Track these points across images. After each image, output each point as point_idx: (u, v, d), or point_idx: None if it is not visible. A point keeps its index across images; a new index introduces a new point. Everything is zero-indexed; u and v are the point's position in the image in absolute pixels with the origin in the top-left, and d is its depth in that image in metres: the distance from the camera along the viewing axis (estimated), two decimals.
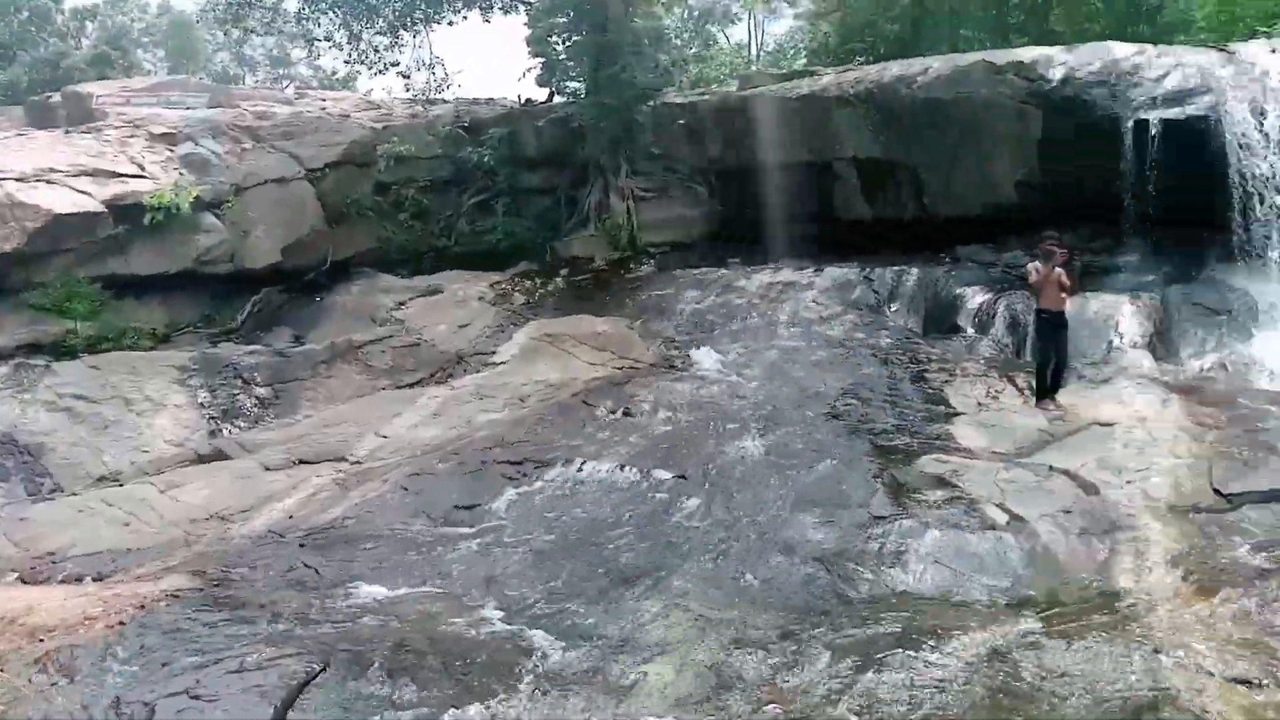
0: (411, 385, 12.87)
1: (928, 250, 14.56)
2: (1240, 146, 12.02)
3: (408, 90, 21.85)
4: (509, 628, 6.25)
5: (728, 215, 17.08)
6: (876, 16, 20.68)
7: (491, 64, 38.73)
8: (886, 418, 9.91)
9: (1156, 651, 5.32)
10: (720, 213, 17.24)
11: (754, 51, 29.89)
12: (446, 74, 22.21)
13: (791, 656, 5.61)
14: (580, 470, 9.04)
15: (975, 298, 13.36)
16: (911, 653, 5.45)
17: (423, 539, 8.07)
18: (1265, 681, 5.02)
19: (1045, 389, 10.14)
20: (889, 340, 12.69)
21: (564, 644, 5.95)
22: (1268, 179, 11.99)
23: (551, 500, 8.57)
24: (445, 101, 21.14)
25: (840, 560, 6.94)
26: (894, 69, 14.99)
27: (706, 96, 17.81)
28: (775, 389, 11.03)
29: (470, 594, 6.92)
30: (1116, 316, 12.01)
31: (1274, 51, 12.86)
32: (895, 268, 14.23)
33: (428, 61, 21.66)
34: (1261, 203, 12.01)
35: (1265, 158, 11.91)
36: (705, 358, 12.41)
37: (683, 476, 8.71)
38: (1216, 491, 7.77)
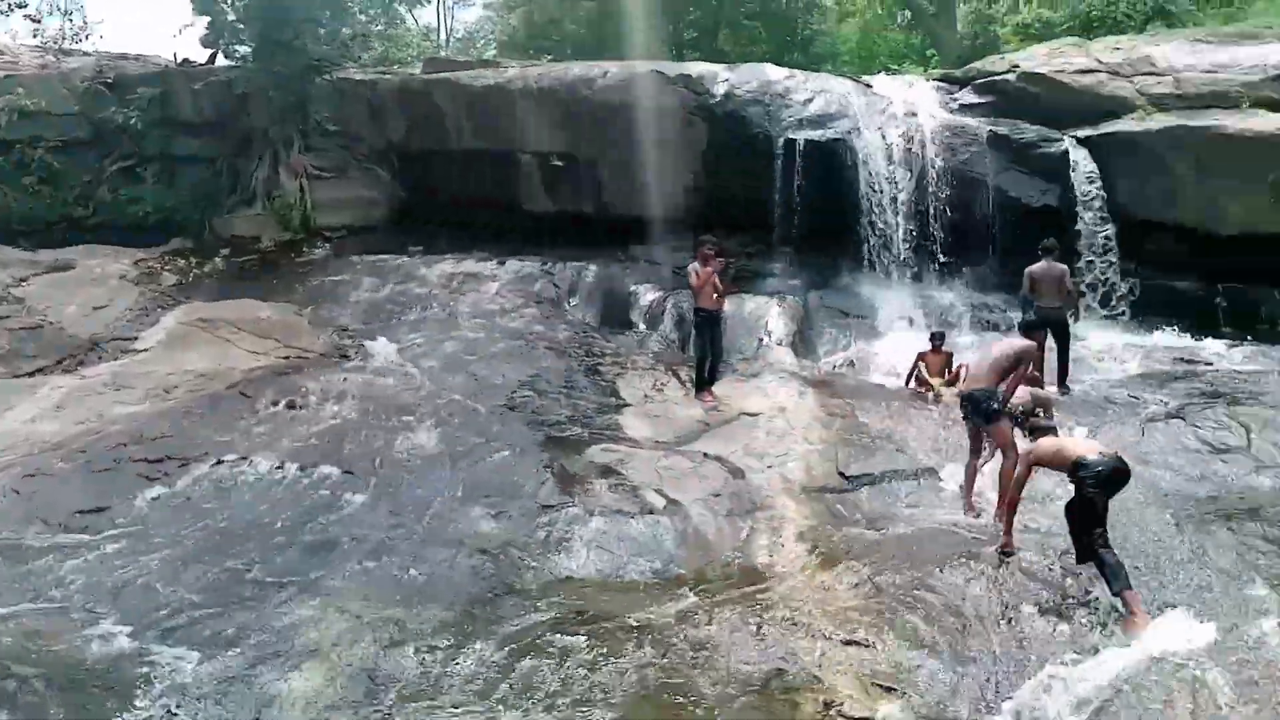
0: (32, 374, 11.20)
1: (606, 246, 15.11)
2: (868, 168, 13.66)
3: (37, 36, 19.06)
4: (134, 643, 5.61)
5: (411, 200, 16.59)
6: (562, 16, 21.11)
7: (140, 16, 34.73)
8: (561, 409, 10.12)
9: (784, 620, 5.85)
10: (403, 198, 16.69)
11: (443, 37, 29.40)
12: (85, 22, 19.67)
13: (451, 650, 5.53)
14: (234, 468, 8.34)
15: (647, 295, 14.07)
16: (569, 636, 5.58)
17: (36, 549, 7.04)
18: (874, 642, 5.68)
19: (703, 381, 10.84)
20: (567, 333, 12.98)
21: (200, 655, 5.44)
22: (891, 199, 13.73)
23: (196, 501, 7.83)
24: (85, 53, 18.63)
25: (508, 550, 6.98)
26: (576, 69, 15.37)
27: (389, 76, 17.17)
28: (453, 381, 10.86)
29: (91, 608, 6.14)
30: (766, 317, 13.18)
31: (909, 85, 14.76)
32: (576, 263, 14.61)
33: (63, 6, 19.00)
34: (883, 220, 13.71)
35: (888, 180, 13.61)
36: (381, 348, 11.94)
37: (349, 472, 8.32)
38: (841, 474, 8.76)
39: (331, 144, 16.55)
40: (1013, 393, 7.56)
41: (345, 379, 10.53)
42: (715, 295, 10.74)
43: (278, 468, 8.34)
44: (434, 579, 6.57)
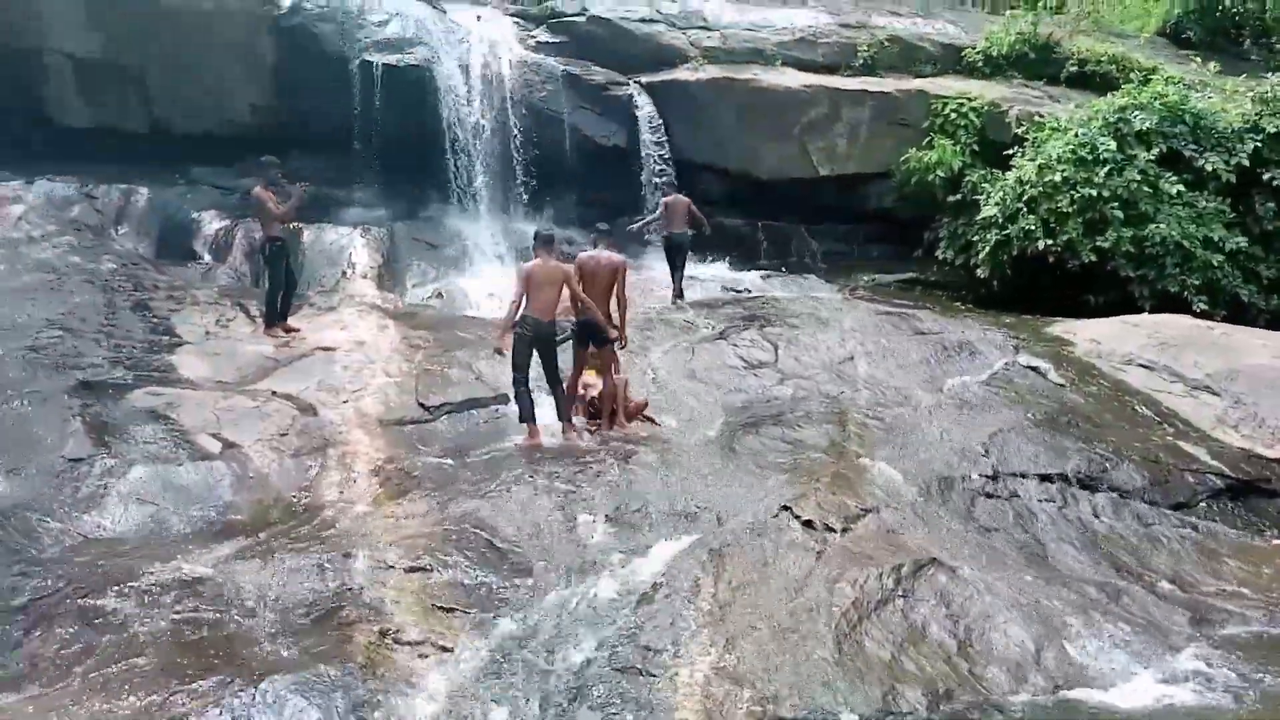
0: None
1: (161, 168, 13.46)
2: (451, 99, 13.52)
3: None
4: None
5: None
6: None
7: None
8: (99, 351, 8.87)
9: (346, 555, 5.70)
10: None
11: None
12: None
13: None
14: None
15: (212, 223, 12.83)
16: (94, 599, 4.97)
17: None
18: (435, 567, 5.74)
19: (275, 315, 10.15)
20: (113, 265, 11.42)
21: None
22: (473, 132, 13.73)
23: None
24: None
25: (21, 513, 6.02)
26: None
27: None
28: None
29: None
30: (349, 248, 12.66)
31: (479, 18, 14.68)
32: (123, 186, 12.85)
33: None
34: (466, 153, 13.70)
35: (468, 112, 13.58)
36: None
37: None
38: (420, 405, 8.71)
39: None
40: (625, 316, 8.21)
41: None
42: (285, 223, 10.02)
43: None
44: None
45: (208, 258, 12.38)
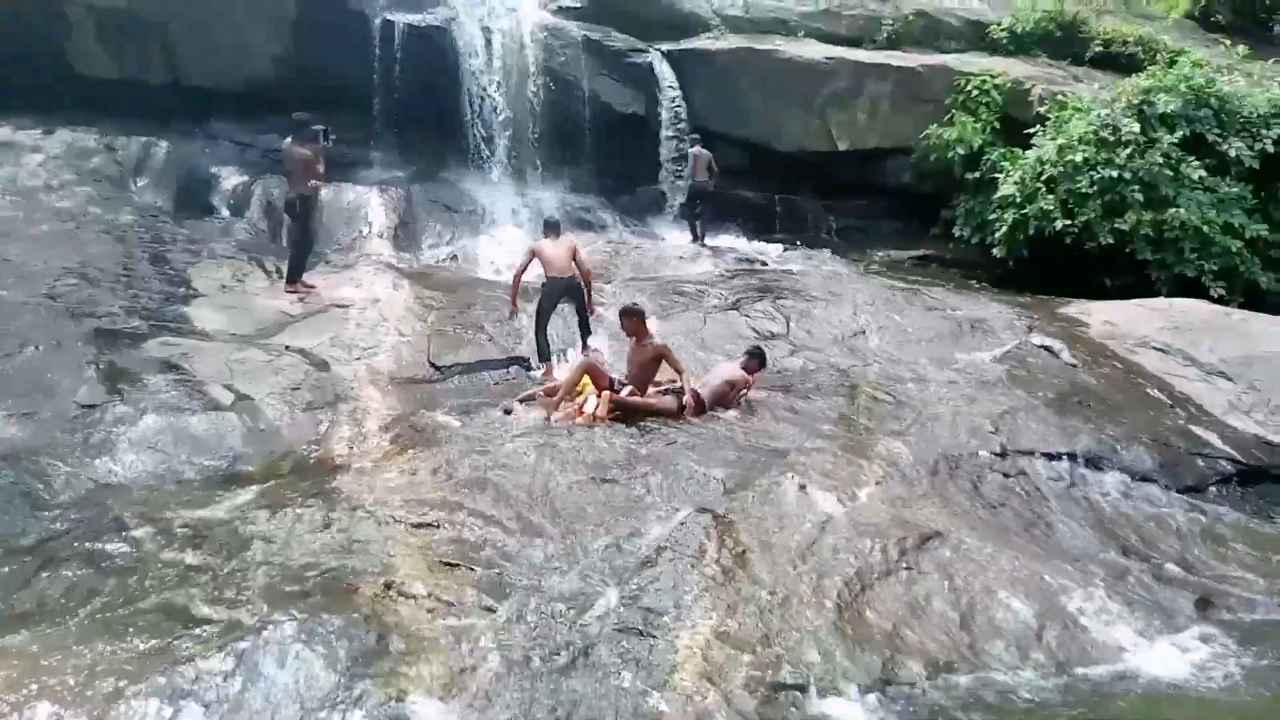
0: None
1: (182, 122, 13.48)
2: (471, 61, 13.44)
3: None
4: None
5: None
6: None
7: None
8: (115, 300, 8.95)
9: (354, 509, 5.74)
10: None
11: None
12: None
13: None
14: None
15: (230, 178, 12.88)
16: (102, 544, 5.03)
17: None
18: (442, 523, 5.77)
19: (298, 272, 10.19)
20: (132, 217, 11.49)
21: None
22: (493, 95, 13.66)
23: None
24: None
25: (34, 457, 6.08)
26: None
27: None
28: None
29: None
30: (366, 207, 12.67)
31: None
32: (143, 138, 12.88)
33: None
34: (485, 116, 13.64)
35: (488, 74, 13.50)
36: None
37: None
38: (431, 364, 8.75)
39: None
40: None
41: None
42: (313, 181, 10.03)
43: None
44: None
45: (226, 212, 12.43)
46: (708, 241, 13.48)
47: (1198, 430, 7.45)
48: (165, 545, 5.13)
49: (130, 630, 4.34)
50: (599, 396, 7.46)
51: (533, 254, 8.99)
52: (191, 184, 12.73)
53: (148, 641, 4.30)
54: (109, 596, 4.61)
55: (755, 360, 8.17)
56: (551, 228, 9.41)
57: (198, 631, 4.39)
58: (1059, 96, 13.13)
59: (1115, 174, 11.44)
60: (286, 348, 8.42)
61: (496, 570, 5.34)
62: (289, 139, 9.99)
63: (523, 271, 9.02)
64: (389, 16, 13.06)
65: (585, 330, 9.24)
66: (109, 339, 7.94)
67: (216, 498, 5.89)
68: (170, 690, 4.01)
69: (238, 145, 13.62)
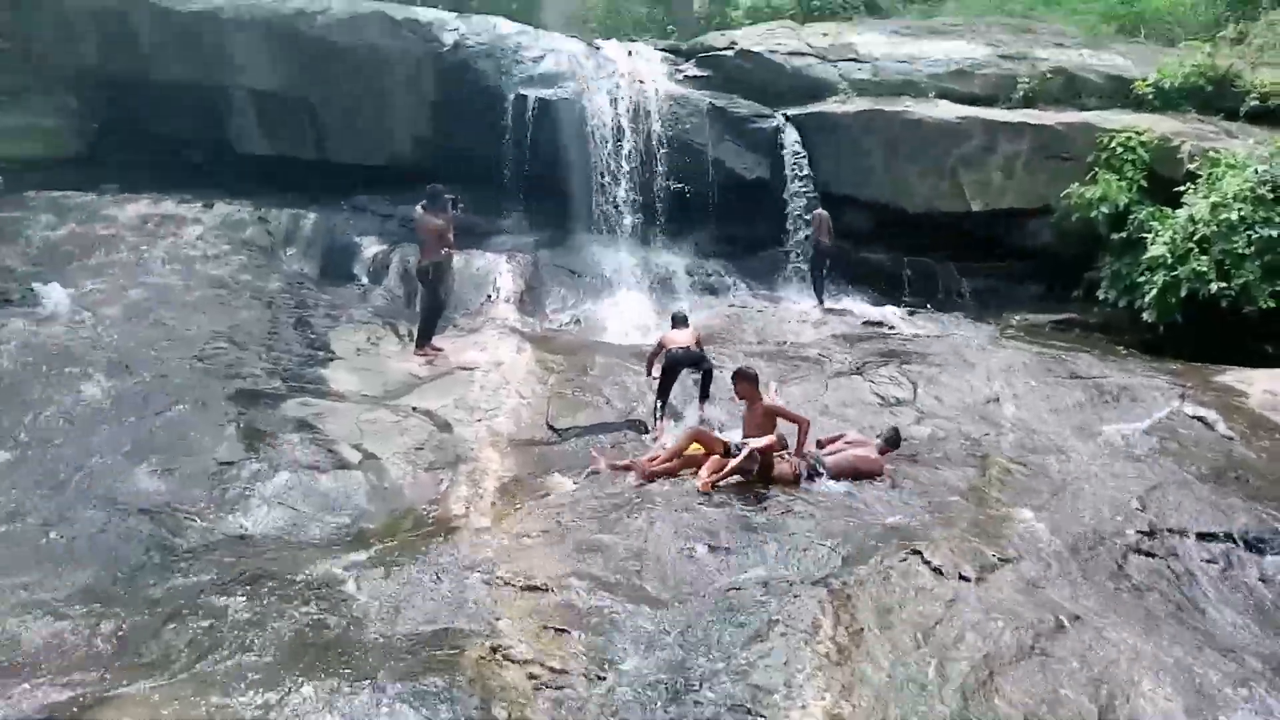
0: None
1: (328, 195, 14.33)
2: (599, 131, 13.81)
3: None
4: None
5: (104, 134, 14.88)
6: None
7: None
8: (259, 363, 9.48)
9: (467, 570, 5.79)
10: (95, 129, 14.94)
11: None
12: None
13: (87, 617, 5.01)
14: None
15: (370, 247, 13.52)
16: (227, 597, 5.22)
17: None
18: (552, 587, 5.74)
19: (427, 336, 10.56)
20: (280, 284, 12.20)
21: None
22: (618, 164, 13.97)
23: None
24: None
25: (172, 511, 6.43)
26: (296, 2, 14.33)
27: None
28: (136, 330, 9.87)
29: None
30: (494, 273, 13.07)
31: (629, 53, 14.98)
32: (293, 210, 13.75)
33: None
34: (611, 184, 13.94)
35: (615, 144, 13.83)
36: (53, 293, 10.64)
37: None
38: (550, 426, 8.84)
39: (7, 62, 14.47)
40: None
41: (3, 325, 9.29)
42: (445, 248, 10.46)
43: None
44: (79, 542, 5.93)
45: (365, 280, 13.03)
46: (831, 304, 13.26)
47: None
48: (287, 601, 5.28)
49: (244, 684, 4.45)
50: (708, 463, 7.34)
51: (661, 345, 9.13)
52: (336, 253, 13.44)
53: (261, 695, 4.40)
54: (228, 650, 4.75)
55: (890, 445, 7.82)
56: (680, 322, 9.48)
57: (308, 690, 4.46)
58: (1211, 153, 12.38)
59: (1275, 233, 10.64)
60: (413, 409, 8.68)
61: (604, 637, 5.24)
62: (419, 207, 10.47)
63: (654, 358, 9.17)
64: (522, 91, 13.59)
65: (704, 396, 9.18)
66: (250, 399, 8.39)
67: (336, 554, 6.04)
68: None
69: (378, 216, 14.32)
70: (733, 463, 7.05)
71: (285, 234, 13.41)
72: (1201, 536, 6.34)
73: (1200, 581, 5.94)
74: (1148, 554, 6.24)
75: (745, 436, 7.57)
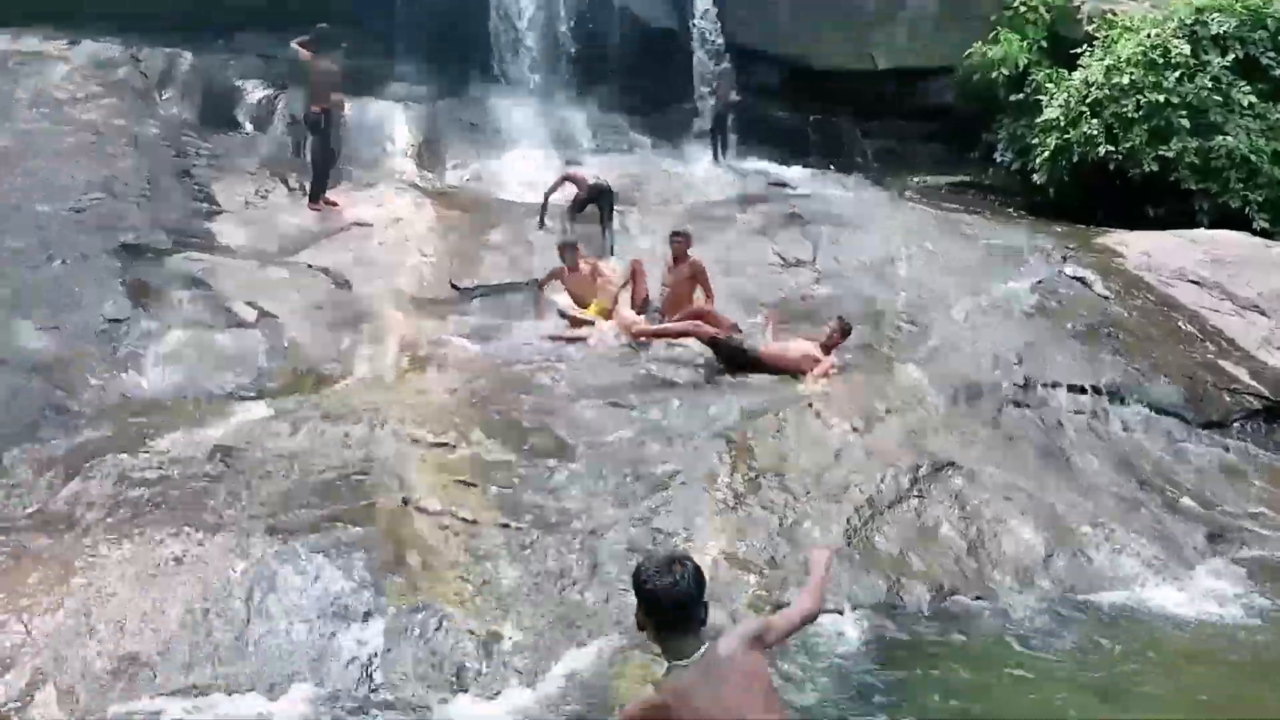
0: None
1: (207, 31, 13.30)
2: None
3: None
4: None
5: None
6: None
7: None
8: (140, 215, 8.97)
9: (373, 427, 5.81)
10: None
11: None
12: None
13: None
14: None
15: (255, 91, 12.70)
16: (127, 456, 5.15)
17: None
18: (459, 443, 5.84)
19: (321, 189, 10.15)
20: (157, 131, 11.39)
21: None
22: (521, 11, 13.33)
23: None
24: None
25: (62, 368, 6.21)
26: None
27: None
28: (5, 180, 9.20)
29: None
30: (391, 124, 12.53)
31: None
32: (168, 49, 12.74)
33: None
34: (513, 32, 13.33)
35: None
36: None
37: None
38: (453, 285, 8.76)
39: None
40: None
41: None
42: (336, 95, 9.93)
43: None
44: None
45: (250, 127, 12.32)
46: (735, 163, 13.24)
47: (1227, 365, 7.31)
48: (190, 458, 5.24)
49: (155, 540, 4.47)
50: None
51: (564, 178, 9.45)
52: (216, 97, 12.56)
53: (171, 548, 4.44)
54: (135, 507, 4.73)
55: (839, 334, 7.21)
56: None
57: (220, 540, 4.52)
58: (1109, 15, 12.57)
59: (1162, 98, 11.00)
60: (309, 265, 8.46)
61: (511, 490, 5.42)
62: (301, 48, 9.87)
63: (552, 192, 9.47)
64: None
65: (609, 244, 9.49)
66: (134, 253, 8.01)
67: (240, 413, 5.99)
68: (193, 597, 4.16)
69: (263, 58, 13.39)
70: (683, 325, 7.32)
71: (160, 75, 12.42)
72: (1072, 389, 6.83)
73: (1068, 430, 6.44)
74: (1022, 405, 6.71)
75: (664, 288, 8.01)
